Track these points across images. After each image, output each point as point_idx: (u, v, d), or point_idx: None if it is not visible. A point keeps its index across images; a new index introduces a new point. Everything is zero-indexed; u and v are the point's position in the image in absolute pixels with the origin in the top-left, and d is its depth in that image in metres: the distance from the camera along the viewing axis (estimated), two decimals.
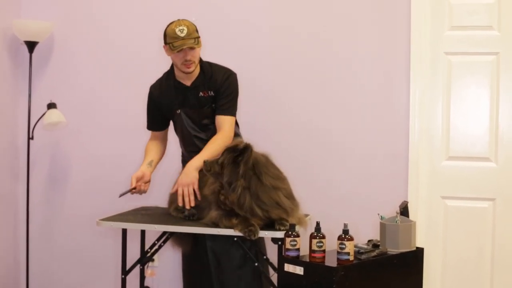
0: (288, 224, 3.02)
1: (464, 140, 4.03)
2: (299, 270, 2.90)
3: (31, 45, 4.37)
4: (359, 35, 4.12)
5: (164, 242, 3.40)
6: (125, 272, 3.35)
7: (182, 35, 3.40)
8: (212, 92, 3.56)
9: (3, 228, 4.48)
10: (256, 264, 3.20)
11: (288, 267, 2.94)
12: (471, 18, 3.98)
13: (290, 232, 2.97)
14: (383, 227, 3.15)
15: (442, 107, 4.05)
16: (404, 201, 3.36)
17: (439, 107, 4.06)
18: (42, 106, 4.36)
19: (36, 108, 4.45)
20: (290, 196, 3.23)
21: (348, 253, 2.88)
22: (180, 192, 3.30)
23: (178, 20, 3.49)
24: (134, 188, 3.48)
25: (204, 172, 3.21)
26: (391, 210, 3.38)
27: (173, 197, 3.47)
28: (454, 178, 4.04)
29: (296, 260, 2.94)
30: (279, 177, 3.23)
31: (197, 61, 3.52)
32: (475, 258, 4.00)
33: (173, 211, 3.44)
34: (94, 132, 4.52)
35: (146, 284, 3.67)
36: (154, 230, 3.33)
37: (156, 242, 3.44)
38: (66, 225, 4.58)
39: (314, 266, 2.88)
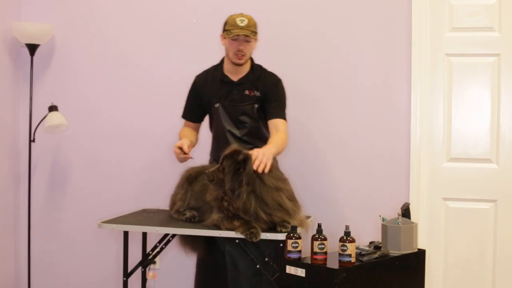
0: (289, 226, 3.02)
1: (465, 142, 4.03)
2: (300, 272, 2.90)
3: (32, 48, 4.37)
4: (360, 37, 4.12)
5: (166, 244, 3.40)
6: (126, 274, 3.35)
7: (242, 24, 3.46)
8: (258, 93, 3.59)
9: (4, 230, 4.48)
10: (258, 266, 3.19)
11: (290, 269, 2.95)
12: (471, 19, 3.98)
13: (291, 234, 2.97)
14: (384, 228, 3.16)
15: (443, 108, 4.05)
16: (406, 202, 3.36)
17: (440, 109, 4.05)
18: (43, 108, 4.37)
19: (38, 111, 4.45)
20: (292, 198, 3.23)
21: (349, 255, 2.88)
22: (257, 155, 3.15)
23: (241, 13, 3.55)
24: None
25: (207, 182, 3.19)
26: (393, 211, 3.38)
27: (174, 199, 3.48)
28: (456, 180, 4.04)
29: (297, 262, 2.94)
30: (281, 178, 3.24)
31: (249, 54, 3.56)
32: (477, 260, 4.00)
33: (174, 214, 3.44)
34: (95, 135, 4.52)
35: (147, 286, 3.67)
36: (155, 233, 3.32)
37: (157, 244, 3.44)
38: (67, 228, 4.57)
39: (316, 268, 2.88)
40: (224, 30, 3.53)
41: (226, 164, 3.10)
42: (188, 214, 3.33)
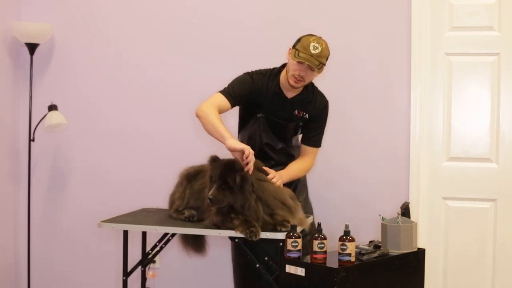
0: (289, 225, 3.02)
1: (465, 141, 4.03)
2: (300, 271, 2.90)
3: (31, 47, 4.37)
4: (360, 36, 4.12)
5: (166, 243, 3.40)
6: (126, 273, 3.35)
7: (313, 52, 3.31)
8: (307, 115, 3.52)
9: (4, 229, 4.48)
10: (258, 265, 3.19)
11: (290, 268, 2.94)
12: (471, 18, 3.98)
13: (291, 233, 2.97)
14: (384, 228, 3.16)
15: (443, 108, 4.05)
16: (405, 202, 3.36)
17: (439, 108, 4.05)
18: (43, 108, 4.36)
19: (37, 110, 4.45)
20: (292, 196, 3.24)
21: (349, 254, 2.88)
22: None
23: (320, 37, 3.39)
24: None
25: (214, 205, 3.10)
26: (392, 211, 3.38)
27: (173, 198, 3.47)
28: (455, 179, 4.04)
29: (297, 261, 2.93)
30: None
31: (308, 81, 3.45)
32: (477, 259, 4.00)
33: (173, 213, 3.43)
34: (95, 134, 4.52)
35: (147, 285, 3.67)
36: (155, 232, 3.32)
37: (157, 243, 3.44)
38: (67, 227, 4.57)
39: (316, 267, 2.88)
40: (294, 48, 3.38)
41: (225, 179, 3.07)
42: (186, 213, 3.33)
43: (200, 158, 3.53)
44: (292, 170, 3.50)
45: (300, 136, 3.64)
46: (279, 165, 3.53)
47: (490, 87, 3.98)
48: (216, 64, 4.32)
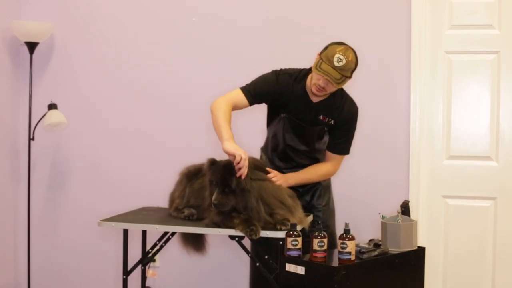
0: (289, 223, 3.02)
1: (465, 139, 4.03)
2: (300, 269, 2.90)
3: (31, 46, 4.37)
4: (359, 35, 4.11)
5: (165, 242, 3.40)
6: (126, 272, 3.34)
7: (337, 64, 3.15)
8: (332, 121, 3.39)
9: (4, 227, 4.48)
10: (258, 264, 3.19)
11: (290, 267, 2.94)
12: (471, 17, 3.98)
13: (291, 232, 2.97)
14: (384, 226, 3.15)
15: (443, 106, 4.05)
16: (405, 200, 3.36)
17: (439, 106, 4.05)
18: (42, 106, 4.36)
19: (37, 109, 4.45)
20: (292, 195, 3.24)
21: (349, 253, 2.87)
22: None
23: (348, 48, 3.22)
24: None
25: (219, 209, 3.07)
26: (392, 209, 3.38)
27: (173, 197, 3.47)
28: (455, 177, 4.04)
29: (297, 260, 2.93)
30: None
31: (329, 92, 3.30)
32: (477, 257, 4.00)
33: (173, 212, 3.43)
34: (95, 133, 4.52)
35: (147, 284, 3.67)
36: (155, 231, 3.32)
37: (157, 242, 3.44)
38: (67, 226, 4.58)
39: (316, 265, 2.88)
40: (320, 56, 3.23)
41: (227, 182, 3.06)
42: (186, 212, 3.32)
43: (200, 157, 3.53)
44: (302, 174, 3.44)
45: (327, 141, 3.50)
46: (301, 167, 3.49)
47: (490, 85, 3.98)
48: (216, 64, 4.32)
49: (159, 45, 4.41)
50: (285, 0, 4.23)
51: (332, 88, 3.26)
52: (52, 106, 4.30)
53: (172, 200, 3.48)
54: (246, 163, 3.04)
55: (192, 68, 4.36)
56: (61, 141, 4.57)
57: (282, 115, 3.44)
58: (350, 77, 3.24)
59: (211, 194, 3.09)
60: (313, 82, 3.27)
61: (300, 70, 3.45)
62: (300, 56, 4.17)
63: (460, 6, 4.00)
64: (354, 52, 3.24)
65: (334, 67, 3.16)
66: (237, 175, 3.04)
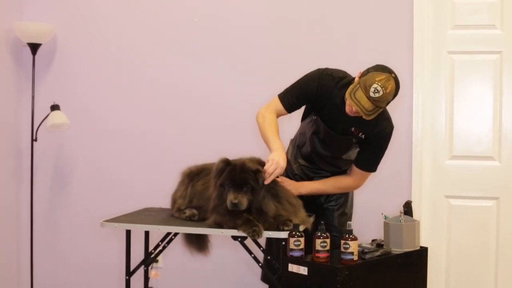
0: (291, 224, 3.02)
1: (468, 139, 4.03)
2: (303, 270, 2.90)
3: (34, 47, 4.38)
4: (361, 34, 4.11)
5: (168, 243, 3.40)
6: (129, 273, 3.34)
7: (372, 95, 2.97)
8: (363, 136, 3.25)
9: (7, 228, 4.48)
10: (260, 264, 3.19)
11: (292, 267, 2.94)
12: (473, 17, 3.98)
13: (293, 232, 2.96)
14: (387, 226, 3.15)
15: (445, 106, 4.05)
16: (408, 200, 3.35)
17: (442, 106, 4.05)
18: (45, 107, 4.37)
19: (40, 110, 4.45)
20: (294, 196, 3.23)
21: (352, 253, 2.87)
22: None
23: (390, 77, 3.01)
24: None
25: (237, 209, 3.02)
26: (395, 209, 3.38)
27: (175, 197, 3.47)
28: (458, 177, 4.04)
29: (300, 260, 2.93)
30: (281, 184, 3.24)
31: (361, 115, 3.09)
32: (479, 257, 4.00)
33: (175, 212, 3.43)
34: (97, 134, 4.52)
35: (150, 285, 3.66)
36: (158, 231, 3.32)
37: (160, 243, 3.44)
38: (70, 227, 4.58)
39: (318, 266, 2.88)
40: (360, 79, 3.05)
41: (245, 181, 3.03)
42: (188, 212, 3.32)
43: (203, 157, 3.53)
44: (318, 184, 3.38)
45: (353, 154, 3.37)
46: (321, 170, 3.44)
47: (493, 85, 3.98)
48: (217, 64, 4.32)
49: (161, 46, 4.42)
50: (286, 0, 4.22)
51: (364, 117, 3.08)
52: (54, 107, 4.31)
53: (174, 201, 3.48)
54: (277, 171, 3.02)
55: (194, 69, 4.36)
56: (64, 142, 4.57)
57: (314, 116, 3.36)
58: (383, 108, 3.08)
59: (220, 195, 3.08)
60: (347, 102, 3.11)
61: (345, 76, 3.29)
62: (301, 56, 4.18)
63: (463, 6, 4.00)
64: (396, 81, 3.05)
65: (369, 97, 2.97)
66: (265, 181, 3.02)
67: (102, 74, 4.51)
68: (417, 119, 4.02)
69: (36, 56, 4.43)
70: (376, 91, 2.96)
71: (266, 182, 3.03)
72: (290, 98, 3.31)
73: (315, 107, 3.34)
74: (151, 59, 4.42)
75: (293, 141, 3.62)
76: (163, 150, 4.41)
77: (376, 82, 2.98)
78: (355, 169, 3.39)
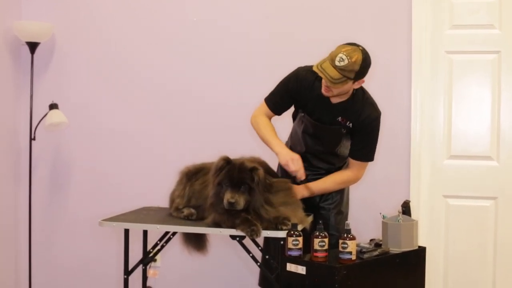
0: (290, 223, 3.02)
1: (466, 139, 4.03)
2: (301, 269, 2.90)
3: (32, 46, 4.37)
4: (360, 34, 4.10)
5: (167, 242, 3.40)
6: (127, 272, 3.35)
7: (338, 64, 3.04)
8: (351, 124, 3.29)
9: (5, 227, 4.48)
10: (258, 263, 3.19)
11: (291, 267, 2.95)
12: (472, 16, 3.99)
13: (292, 232, 2.97)
14: (385, 226, 3.15)
15: (444, 106, 4.06)
16: (406, 200, 3.36)
17: (440, 106, 4.06)
18: (44, 106, 4.37)
19: (38, 109, 4.45)
20: (293, 195, 3.23)
21: (350, 253, 2.88)
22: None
23: (357, 49, 3.09)
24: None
25: (233, 209, 3.03)
26: (393, 209, 3.38)
27: (173, 196, 3.47)
28: (456, 177, 4.04)
29: (298, 260, 2.94)
30: (281, 182, 3.23)
31: (337, 93, 3.19)
32: (477, 257, 4.00)
33: (174, 212, 3.43)
34: (95, 133, 4.52)
35: (148, 284, 3.67)
36: (156, 230, 3.33)
37: (158, 242, 3.44)
38: (68, 225, 4.58)
39: (317, 265, 2.88)
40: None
41: (243, 181, 3.04)
42: (185, 212, 3.32)
43: (201, 157, 3.53)
44: (318, 184, 3.38)
45: (347, 147, 3.41)
46: (318, 169, 3.46)
47: (491, 85, 3.99)
48: (216, 65, 4.33)
49: (159, 46, 4.41)
50: (285, 0, 4.22)
51: (337, 90, 3.16)
52: (53, 106, 4.30)
53: (172, 200, 3.48)
54: (299, 164, 3.16)
55: (192, 70, 4.36)
56: (62, 141, 4.57)
57: (301, 114, 3.40)
58: (353, 79, 3.11)
59: (217, 193, 3.08)
60: (320, 80, 3.21)
61: None
62: (299, 56, 4.16)
63: (461, 6, 4.00)
64: (364, 53, 3.11)
65: (335, 66, 3.05)
66: (297, 179, 3.11)
67: (100, 73, 4.51)
68: (415, 119, 4.02)
69: (35, 55, 4.43)
70: (341, 59, 3.04)
71: (301, 178, 3.16)
72: (274, 100, 3.40)
73: (300, 104, 3.39)
74: (150, 59, 4.42)
75: (286, 145, 3.62)
76: (161, 149, 4.41)
77: (342, 52, 3.06)
78: (351, 161, 3.41)
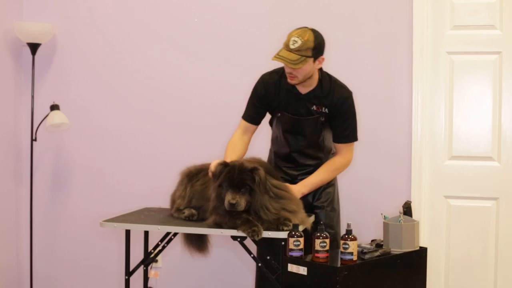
0: (291, 224, 3.02)
1: (467, 140, 4.03)
2: (302, 270, 2.90)
3: (33, 47, 4.38)
4: (361, 35, 4.12)
5: (168, 243, 3.40)
6: (128, 273, 3.35)
7: (292, 46, 3.17)
8: (326, 109, 3.36)
9: (6, 228, 4.48)
10: (260, 264, 3.19)
11: (292, 267, 2.95)
12: (473, 17, 3.98)
13: (293, 232, 2.97)
14: (386, 226, 3.15)
15: (445, 106, 4.05)
16: (407, 200, 3.36)
17: (441, 107, 4.05)
18: (45, 107, 4.37)
19: (39, 110, 4.46)
20: (294, 197, 3.23)
21: (351, 253, 2.88)
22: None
23: (306, 29, 3.23)
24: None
25: (234, 210, 3.04)
26: (394, 210, 3.38)
27: (174, 197, 3.47)
28: (457, 178, 4.04)
29: (299, 260, 2.94)
30: (282, 185, 3.23)
31: (302, 77, 3.27)
32: (479, 257, 4.00)
33: (175, 212, 3.44)
34: (97, 133, 4.52)
35: (149, 285, 3.67)
36: (157, 231, 3.33)
37: (159, 243, 3.44)
38: (69, 226, 4.58)
39: (318, 266, 2.88)
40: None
41: (243, 182, 3.04)
42: (186, 212, 3.33)
43: (202, 158, 3.54)
44: (313, 178, 3.40)
45: (328, 137, 3.47)
46: (305, 166, 3.47)
47: (492, 86, 3.98)
48: (216, 64, 4.32)
49: (161, 47, 4.42)
50: (285, 1, 4.23)
51: (300, 72, 3.23)
52: (54, 107, 4.31)
53: (173, 201, 3.49)
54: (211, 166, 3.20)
55: (194, 70, 4.36)
56: (63, 142, 4.58)
57: (278, 115, 3.45)
58: (313, 57, 3.21)
59: (218, 195, 3.08)
60: (286, 71, 3.30)
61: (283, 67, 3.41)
62: None
63: (462, 7, 4.00)
64: (315, 32, 3.24)
65: (291, 50, 3.17)
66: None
67: (101, 74, 4.52)
68: (416, 119, 4.02)
69: (36, 56, 4.43)
70: (294, 41, 3.18)
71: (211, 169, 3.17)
72: (249, 112, 3.50)
73: (273, 106, 3.45)
74: (151, 59, 4.42)
75: (271, 151, 3.65)
76: (162, 150, 4.42)
77: (293, 36, 3.21)
78: (337, 146, 3.46)
